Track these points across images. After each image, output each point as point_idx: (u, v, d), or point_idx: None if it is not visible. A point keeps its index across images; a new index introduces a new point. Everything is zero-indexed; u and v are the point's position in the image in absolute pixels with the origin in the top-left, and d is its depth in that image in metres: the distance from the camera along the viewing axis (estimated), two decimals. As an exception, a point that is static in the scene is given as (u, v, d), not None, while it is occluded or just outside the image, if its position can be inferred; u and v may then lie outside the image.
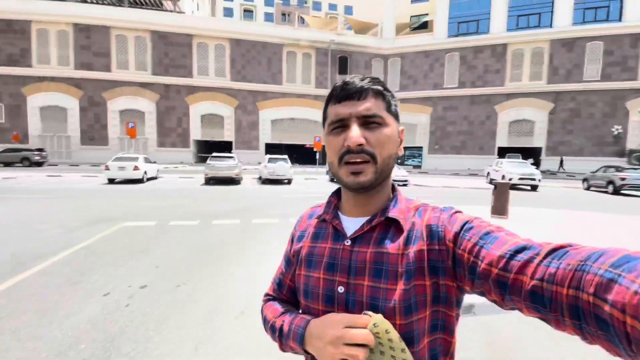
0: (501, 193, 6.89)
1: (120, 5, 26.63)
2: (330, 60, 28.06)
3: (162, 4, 28.41)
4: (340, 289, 0.58)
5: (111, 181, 12.44)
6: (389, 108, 0.61)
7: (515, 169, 14.66)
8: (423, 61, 28.33)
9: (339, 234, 0.63)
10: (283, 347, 0.64)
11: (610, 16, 24.90)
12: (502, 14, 26.52)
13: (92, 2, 26.83)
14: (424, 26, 31.91)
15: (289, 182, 14.23)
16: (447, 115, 27.73)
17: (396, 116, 0.63)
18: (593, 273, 0.34)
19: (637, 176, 13.03)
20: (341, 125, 0.59)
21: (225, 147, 28.07)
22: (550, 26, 25.60)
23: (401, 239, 0.57)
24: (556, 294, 0.37)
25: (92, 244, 4.62)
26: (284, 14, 49.89)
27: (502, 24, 26.55)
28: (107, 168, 12.04)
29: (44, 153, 21.15)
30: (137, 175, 12.25)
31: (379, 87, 0.60)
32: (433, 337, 0.55)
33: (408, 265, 0.55)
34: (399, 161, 27.90)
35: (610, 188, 13.53)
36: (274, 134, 27.86)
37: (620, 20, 24.41)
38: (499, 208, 6.85)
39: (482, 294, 0.49)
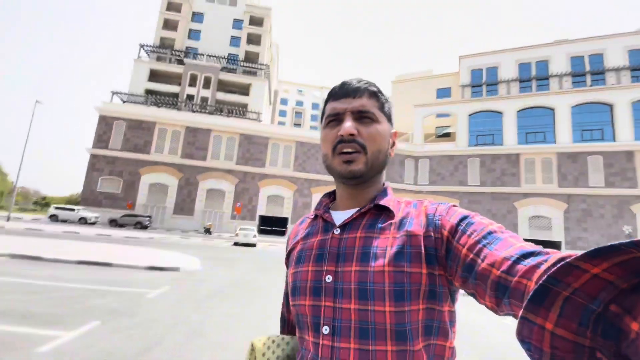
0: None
1: (219, 114, 37.20)
2: (372, 159, 36.05)
3: (245, 113, 39.02)
4: (328, 278, 0.58)
5: (235, 244, 18.68)
6: (382, 108, 0.67)
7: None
8: (448, 163, 35.61)
9: (328, 225, 0.66)
10: None
11: (605, 136, 31.92)
12: (512, 131, 34.38)
13: (199, 112, 37.65)
14: (447, 135, 40.40)
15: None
16: (472, 207, 33.47)
17: (389, 117, 0.69)
18: None
19: None
20: (336, 119, 0.66)
21: (282, 221, 34.70)
22: (554, 142, 32.78)
23: (392, 224, 0.60)
24: None
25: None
26: (327, 114, 62.14)
27: (513, 139, 34.16)
28: (237, 235, 18.40)
29: (150, 219, 28.44)
30: (255, 241, 18.49)
31: (374, 89, 0.67)
32: (427, 342, 0.55)
33: (400, 248, 0.56)
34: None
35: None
36: (323, 214, 34.52)
37: (614, 140, 31.26)
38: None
39: (472, 295, 0.49)
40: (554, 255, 0.39)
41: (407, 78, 47.25)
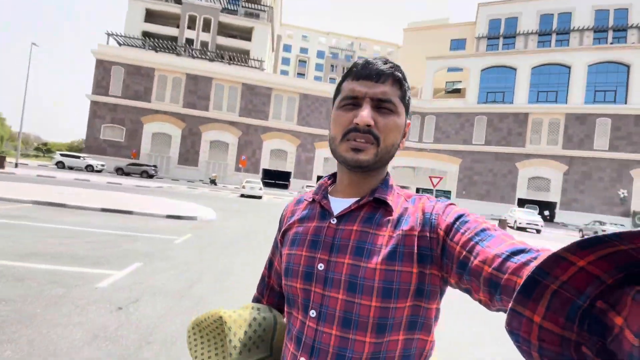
0: (502, 226, 13.07)
1: (221, 61, 35.79)
2: (377, 114, 35.60)
3: (247, 60, 37.46)
4: (320, 266, 0.60)
5: (242, 195, 19.37)
6: (403, 97, 0.63)
7: (524, 216, 20.46)
8: (455, 120, 35.17)
9: (325, 212, 0.66)
10: None
11: (617, 98, 31.16)
12: (524, 89, 33.42)
13: (200, 58, 36.14)
14: (457, 91, 39.27)
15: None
16: (474, 166, 33.88)
17: (407, 108, 0.65)
18: None
19: (614, 230, 18.55)
20: (353, 102, 0.61)
21: (285, 175, 35.36)
22: (565, 102, 32.08)
23: (390, 221, 0.60)
24: None
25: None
26: (332, 66, 59.54)
27: (524, 97, 33.35)
28: (243, 187, 19.01)
29: (156, 168, 28.96)
30: (260, 193, 19.15)
31: (399, 75, 0.62)
32: (410, 336, 0.57)
33: (394, 247, 0.56)
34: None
35: (593, 235, 19.03)
36: (325, 168, 34.95)
37: (625, 102, 30.59)
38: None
39: (467, 291, 0.50)
40: (544, 252, 0.40)
41: (421, 26, 44.51)
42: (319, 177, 34.56)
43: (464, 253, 0.49)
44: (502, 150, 32.97)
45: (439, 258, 0.55)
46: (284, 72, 57.65)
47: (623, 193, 29.36)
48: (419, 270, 0.55)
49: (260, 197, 19.58)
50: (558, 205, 31.26)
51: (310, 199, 0.71)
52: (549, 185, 31.65)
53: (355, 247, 0.58)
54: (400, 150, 0.67)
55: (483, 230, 0.50)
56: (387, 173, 0.69)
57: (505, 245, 0.45)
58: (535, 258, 0.40)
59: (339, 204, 0.66)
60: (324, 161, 34.82)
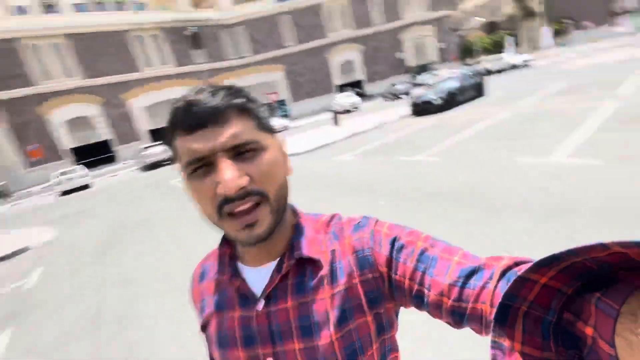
0: (335, 119, 15.48)
1: None
2: (181, 38, 31.14)
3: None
4: None
5: (65, 193, 15.48)
6: (260, 123, 0.49)
7: (345, 100, 24.46)
8: (264, 26, 34.75)
9: (246, 295, 0.53)
10: None
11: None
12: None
13: None
14: (253, -8, 37.62)
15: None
16: (295, 68, 35.99)
17: (269, 128, 0.51)
18: None
19: (402, 87, 24.65)
20: (203, 164, 0.46)
21: (104, 146, 28.45)
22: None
23: (324, 279, 0.52)
24: None
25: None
26: (90, -15, 45.34)
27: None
28: (59, 183, 15.09)
29: None
30: (87, 181, 15.90)
31: (241, 100, 0.47)
32: (381, 338, 0.53)
33: (341, 306, 0.50)
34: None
35: (391, 96, 25.00)
36: (156, 119, 29.77)
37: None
38: (336, 122, 15.48)
39: (428, 313, 0.47)
40: (495, 269, 0.39)
41: None
42: (151, 132, 29.52)
43: (416, 287, 0.46)
44: (312, 46, 35.74)
45: (389, 294, 0.51)
46: (22, 11, 40.47)
47: (401, 55, 37.88)
48: (373, 315, 0.51)
49: (88, 186, 16.13)
50: (365, 83, 38.05)
51: (216, 273, 0.58)
52: (354, 66, 37.43)
53: (299, 326, 0.50)
54: (289, 174, 0.54)
55: (422, 253, 0.47)
56: (293, 209, 0.58)
57: (452, 268, 0.43)
58: (490, 278, 0.39)
59: (255, 276, 0.54)
60: (146, 110, 29.67)
